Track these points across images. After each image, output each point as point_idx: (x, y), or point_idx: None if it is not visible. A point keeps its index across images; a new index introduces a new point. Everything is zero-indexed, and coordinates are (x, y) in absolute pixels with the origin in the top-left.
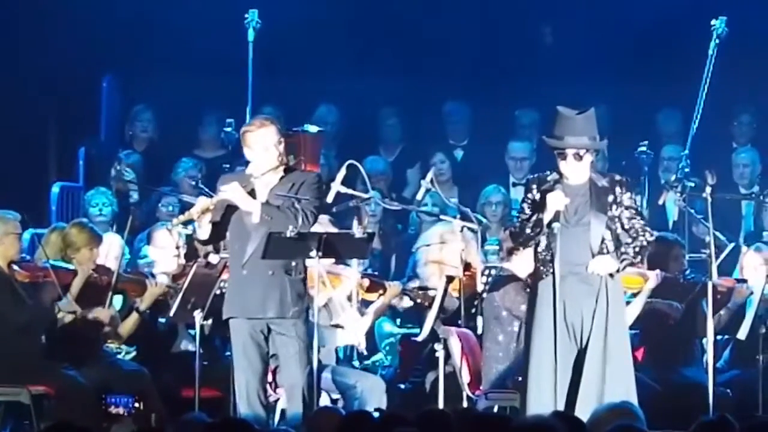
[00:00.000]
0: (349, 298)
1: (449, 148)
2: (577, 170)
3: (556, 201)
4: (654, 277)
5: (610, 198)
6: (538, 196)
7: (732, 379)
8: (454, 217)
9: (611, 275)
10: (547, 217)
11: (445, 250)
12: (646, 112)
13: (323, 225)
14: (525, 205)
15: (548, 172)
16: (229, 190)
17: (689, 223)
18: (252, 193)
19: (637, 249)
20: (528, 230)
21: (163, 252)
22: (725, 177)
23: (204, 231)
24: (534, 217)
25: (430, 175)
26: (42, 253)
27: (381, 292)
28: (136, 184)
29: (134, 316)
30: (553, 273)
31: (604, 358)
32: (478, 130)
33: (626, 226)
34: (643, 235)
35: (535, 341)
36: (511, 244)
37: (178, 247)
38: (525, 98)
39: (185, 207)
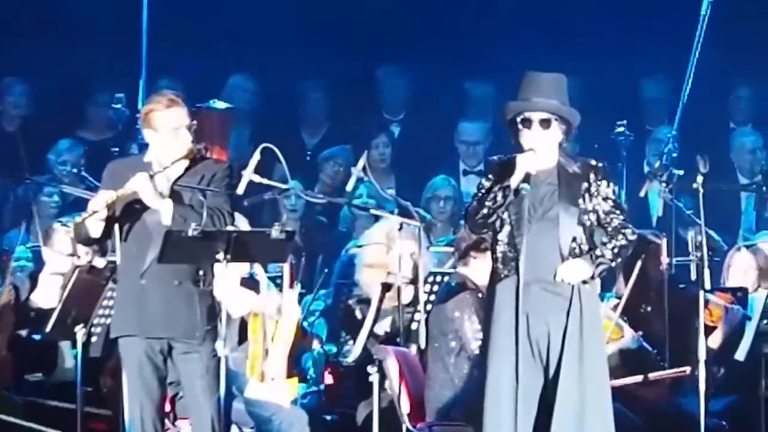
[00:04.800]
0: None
1: (384, 124)
2: (543, 143)
3: (527, 161)
4: (630, 339)
5: (583, 187)
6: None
7: (728, 407)
8: (392, 212)
9: (584, 282)
10: (515, 179)
11: (393, 253)
12: (624, 85)
13: (238, 222)
14: (482, 185)
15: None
16: (137, 184)
17: (676, 219)
18: None
19: (615, 250)
20: (488, 203)
21: (59, 254)
22: (721, 163)
23: (96, 228)
24: (496, 188)
25: (362, 162)
26: None
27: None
28: None
29: None
30: (518, 272)
31: (581, 389)
32: (419, 103)
33: (603, 222)
34: (623, 233)
35: (492, 361)
36: (467, 243)
37: (75, 251)
38: (477, 67)
39: (69, 200)
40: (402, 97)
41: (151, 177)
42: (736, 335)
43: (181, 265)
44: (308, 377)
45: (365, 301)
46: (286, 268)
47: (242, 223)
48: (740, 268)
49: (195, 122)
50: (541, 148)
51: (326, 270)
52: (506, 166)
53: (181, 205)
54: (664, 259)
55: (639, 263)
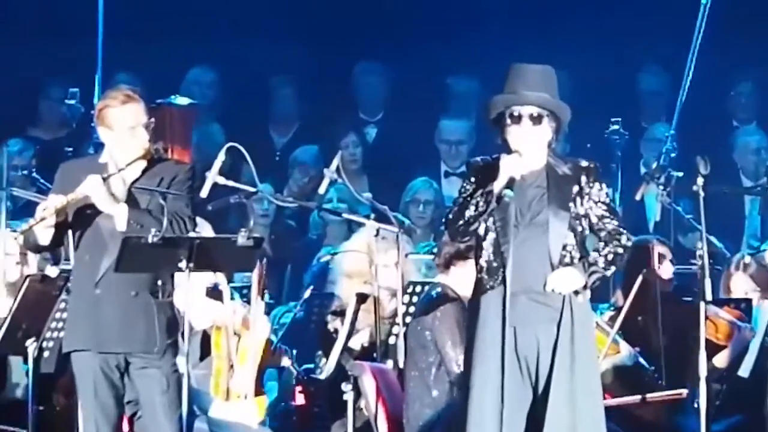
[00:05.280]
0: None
1: (359, 124)
2: (532, 140)
3: (511, 165)
4: (626, 355)
5: (574, 189)
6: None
7: (731, 427)
8: (367, 217)
9: (576, 293)
10: (498, 185)
11: (374, 262)
12: (619, 79)
13: (200, 228)
14: (464, 189)
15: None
16: (89, 187)
17: (675, 224)
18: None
19: (609, 257)
20: (469, 210)
21: (8, 260)
22: (723, 164)
23: (45, 235)
24: (478, 194)
25: (336, 162)
26: None
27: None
28: None
29: None
30: (504, 282)
31: (572, 406)
32: (398, 100)
33: (596, 227)
34: (618, 239)
35: (476, 377)
36: (450, 250)
37: (24, 254)
38: (460, 61)
39: (20, 203)
40: (380, 97)
41: (105, 179)
42: (744, 355)
43: (138, 274)
44: (269, 397)
45: (343, 314)
46: (255, 277)
47: (205, 229)
48: (740, 293)
49: (153, 120)
50: (529, 147)
51: (311, 284)
52: (489, 168)
53: (138, 209)
54: (666, 267)
55: (640, 278)
